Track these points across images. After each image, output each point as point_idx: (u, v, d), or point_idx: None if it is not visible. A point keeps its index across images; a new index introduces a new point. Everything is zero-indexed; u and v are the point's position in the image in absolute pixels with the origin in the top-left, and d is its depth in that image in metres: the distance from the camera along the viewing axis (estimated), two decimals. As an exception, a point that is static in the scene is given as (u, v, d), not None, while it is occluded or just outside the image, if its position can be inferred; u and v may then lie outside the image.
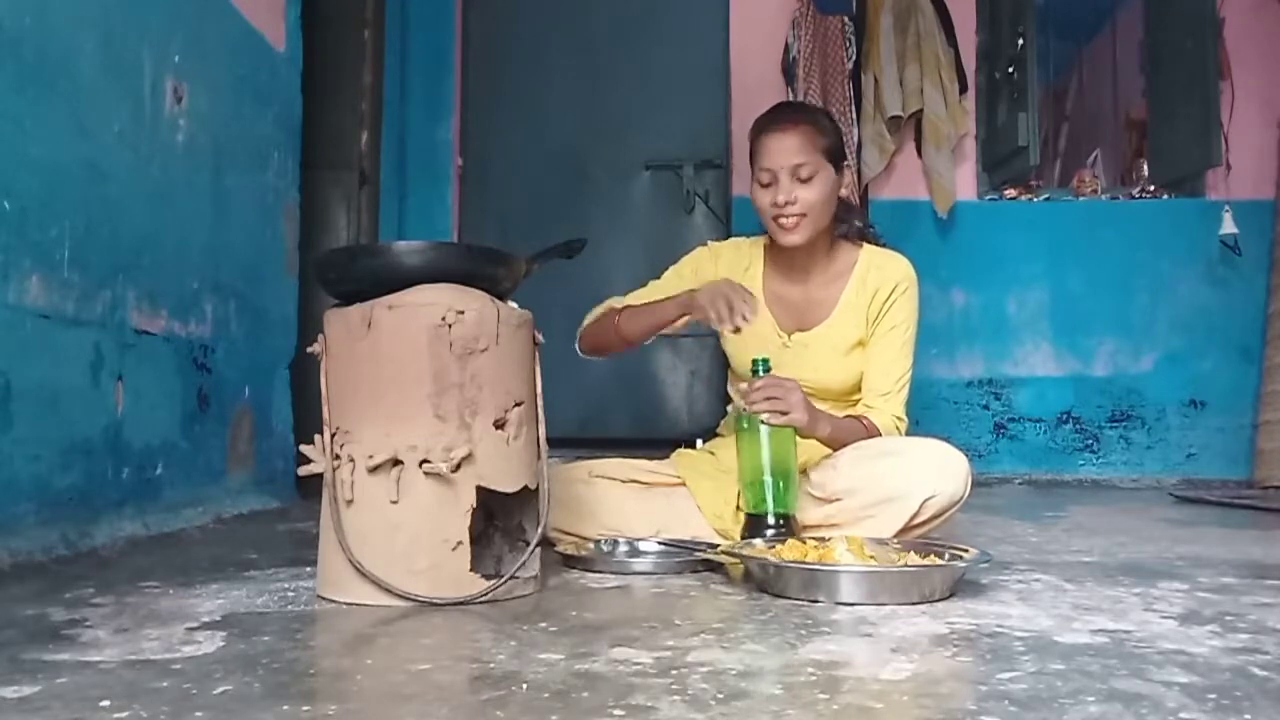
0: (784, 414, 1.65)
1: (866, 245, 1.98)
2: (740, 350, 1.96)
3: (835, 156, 1.86)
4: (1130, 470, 4.08)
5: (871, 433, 1.80)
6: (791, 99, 3.88)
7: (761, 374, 1.70)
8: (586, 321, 1.98)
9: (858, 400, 1.91)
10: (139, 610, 1.21)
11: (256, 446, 2.56)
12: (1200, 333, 4.10)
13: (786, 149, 1.81)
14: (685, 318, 1.82)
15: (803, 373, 1.83)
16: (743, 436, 1.68)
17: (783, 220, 1.83)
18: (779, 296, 1.96)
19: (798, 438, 1.69)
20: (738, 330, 1.69)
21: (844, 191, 1.92)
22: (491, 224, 4.19)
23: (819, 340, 1.91)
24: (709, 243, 2.07)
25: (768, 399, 1.65)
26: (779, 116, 1.88)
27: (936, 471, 1.68)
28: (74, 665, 0.94)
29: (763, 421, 1.65)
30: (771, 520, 1.64)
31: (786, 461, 1.67)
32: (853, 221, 2.00)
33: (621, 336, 1.90)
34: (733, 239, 2.08)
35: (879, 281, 1.90)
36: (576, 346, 2.00)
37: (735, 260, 1.99)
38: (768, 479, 1.65)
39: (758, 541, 1.55)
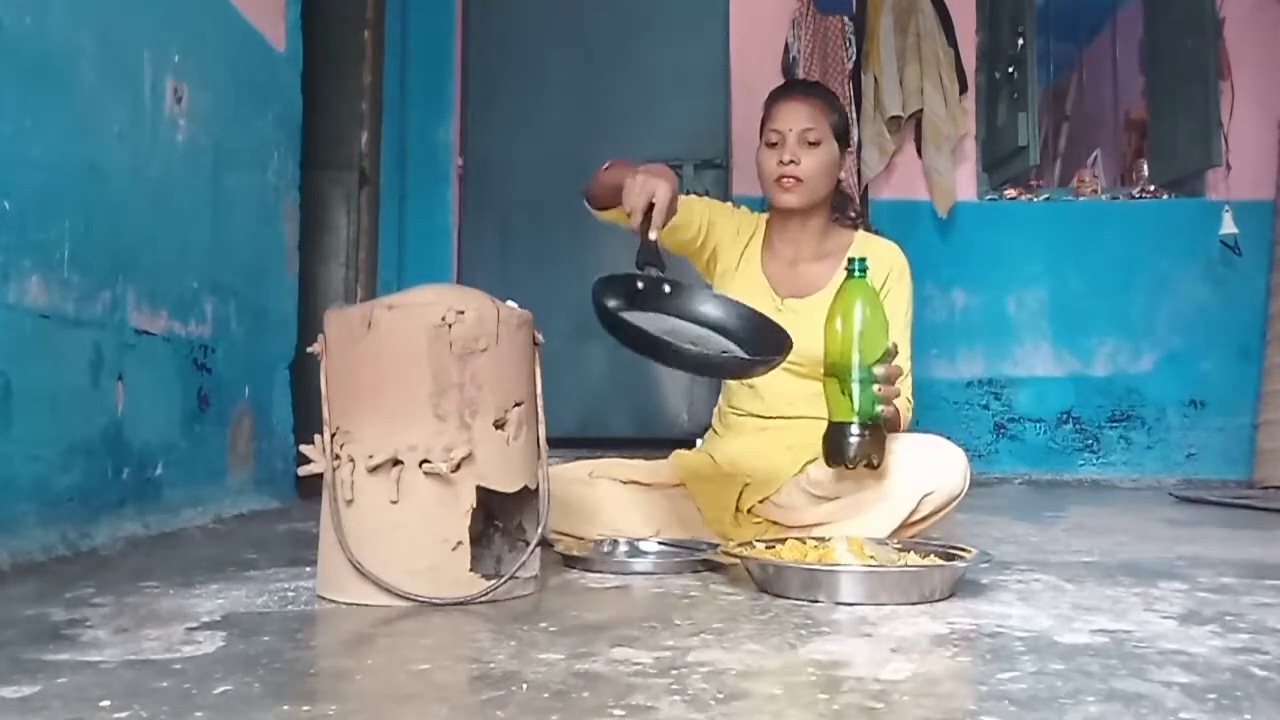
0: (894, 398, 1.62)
1: (861, 232, 2.03)
2: None
3: (841, 135, 1.93)
4: (1130, 470, 4.08)
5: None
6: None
7: (857, 273, 1.62)
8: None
9: None
10: (139, 610, 1.21)
11: (256, 446, 2.56)
12: (1200, 333, 4.10)
13: (798, 114, 1.88)
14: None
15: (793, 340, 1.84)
16: (841, 293, 1.62)
17: (784, 180, 1.87)
18: (774, 265, 1.99)
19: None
20: (644, 234, 1.56)
21: (842, 175, 1.96)
22: (491, 224, 4.18)
23: (811, 309, 1.91)
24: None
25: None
26: (795, 87, 1.98)
27: (934, 467, 1.68)
28: (74, 665, 0.94)
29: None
30: (856, 431, 1.56)
31: (878, 345, 1.58)
32: (848, 212, 2.04)
33: (601, 188, 1.88)
34: (746, 208, 2.10)
35: (872, 268, 1.91)
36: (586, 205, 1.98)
37: (744, 222, 2.04)
38: (855, 360, 1.57)
39: (758, 543, 1.55)
